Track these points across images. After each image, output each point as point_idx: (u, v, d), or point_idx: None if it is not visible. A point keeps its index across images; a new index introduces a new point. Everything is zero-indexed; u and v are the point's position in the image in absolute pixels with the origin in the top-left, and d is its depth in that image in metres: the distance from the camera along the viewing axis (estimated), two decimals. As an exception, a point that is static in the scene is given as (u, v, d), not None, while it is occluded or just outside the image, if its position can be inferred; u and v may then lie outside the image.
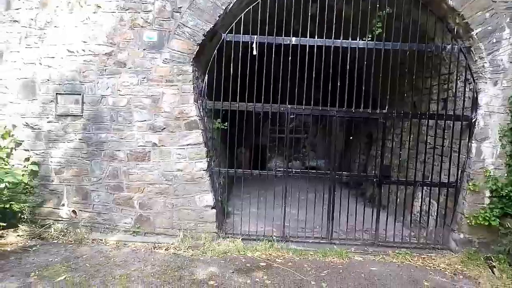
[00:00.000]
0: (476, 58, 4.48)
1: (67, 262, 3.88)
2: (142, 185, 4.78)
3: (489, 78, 4.41)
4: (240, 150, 9.41)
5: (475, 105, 4.54)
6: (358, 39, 4.65)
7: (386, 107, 4.73)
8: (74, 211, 4.90)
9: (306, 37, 4.72)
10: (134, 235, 4.79)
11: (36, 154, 4.82)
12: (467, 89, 4.64)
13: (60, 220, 4.90)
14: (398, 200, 5.88)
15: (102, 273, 3.65)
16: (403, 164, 5.34)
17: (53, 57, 4.72)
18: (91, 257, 4.08)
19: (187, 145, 4.71)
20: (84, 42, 4.70)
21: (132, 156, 4.77)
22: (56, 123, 4.82)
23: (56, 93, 4.77)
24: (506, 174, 4.45)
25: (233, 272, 3.81)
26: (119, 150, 4.78)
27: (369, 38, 4.67)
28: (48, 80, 4.74)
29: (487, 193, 4.49)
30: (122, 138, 4.76)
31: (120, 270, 3.72)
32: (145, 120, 4.72)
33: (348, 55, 4.63)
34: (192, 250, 4.44)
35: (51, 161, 4.82)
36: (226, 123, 5.22)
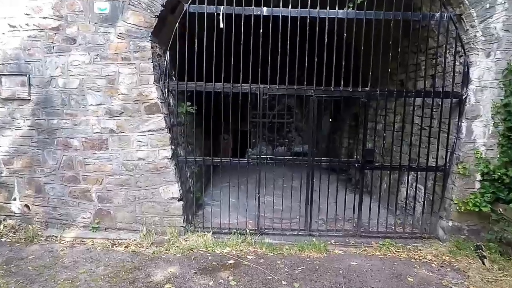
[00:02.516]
0: (467, 27, 4.01)
1: (7, 264, 3.43)
2: (100, 176, 4.31)
3: (481, 49, 3.97)
4: (223, 136, 8.98)
5: (465, 80, 4.10)
6: (337, 9, 4.15)
7: (369, 85, 4.27)
8: (27, 206, 4.43)
9: (279, 7, 4.20)
10: (93, 231, 4.35)
11: (-20, 144, 4.31)
12: (457, 63, 4.18)
13: (11, 216, 4.44)
14: (384, 185, 5.53)
15: (44, 277, 3.21)
16: (388, 147, 4.92)
17: (-8, 33, 4.15)
18: (38, 257, 3.63)
19: (148, 131, 4.22)
20: (27, 14, 4.13)
21: (88, 144, 4.27)
22: (1, 108, 4.29)
23: (0, 74, 4.23)
24: (498, 155, 4.06)
25: (195, 273, 3.39)
26: (73, 138, 4.28)
27: (350, 7, 4.17)
28: (-12, 59, 4.19)
29: (478, 177, 4.11)
30: (76, 124, 4.26)
31: (66, 273, 3.29)
32: (100, 104, 4.21)
33: (326, 26, 4.13)
34: (155, 247, 4.01)
35: (-2, 151, 4.32)
36: (194, 106, 4.72)
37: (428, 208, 4.46)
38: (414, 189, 4.70)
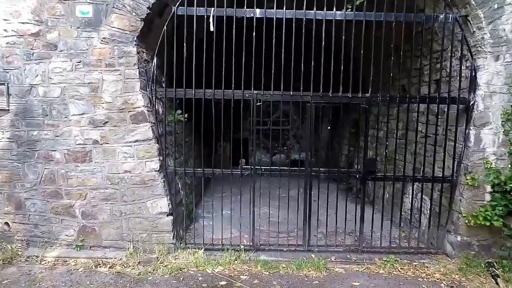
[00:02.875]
0: (474, 29, 3.76)
1: (-23, 291, 3.15)
2: (84, 191, 4.03)
3: (489, 52, 3.71)
4: (220, 145, 8.69)
5: (473, 85, 3.83)
6: (334, 10, 3.90)
7: (370, 91, 4.01)
8: (6, 223, 4.15)
9: (273, 9, 3.95)
10: (77, 250, 4.06)
11: (-45, 157, 4.04)
12: (463, 67, 3.93)
13: (-10, 234, 4.15)
14: (387, 195, 5.26)
15: (16, 306, 2.92)
16: (391, 155, 4.64)
17: (-33, 40, 3.90)
18: (13, 282, 3.35)
19: (135, 141, 3.96)
20: (5, 20, 3.88)
21: (70, 157, 4.00)
22: (-22, 119, 4.02)
23: (-24, 84, 3.97)
24: (510, 165, 3.79)
25: (183, 297, 3.11)
26: (55, 150, 4.01)
27: (349, 9, 3.92)
28: (-37, 67, 3.93)
29: (488, 188, 3.84)
30: (57, 136, 3.99)
31: (41, 301, 3.00)
32: (83, 113, 3.94)
33: (323, 29, 3.87)
34: (143, 266, 3.73)
35: (-26, 165, 4.05)
36: (185, 114, 4.44)
37: (435, 221, 4.18)
38: (419, 200, 4.43)
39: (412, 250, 4.17)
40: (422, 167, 4.19)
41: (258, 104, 4.01)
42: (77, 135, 3.96)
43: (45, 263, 3.83)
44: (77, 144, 3.98)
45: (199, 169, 4.21)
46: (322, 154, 8.44)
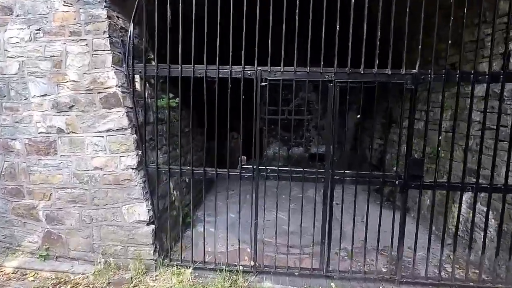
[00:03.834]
0: None
1: None
2: (48, 190, 3.30)
3: None
4: (233, 135, 7.82)
5: None
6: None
7: (417, 65, 2.89)
8: (-33, 224, 3.52)
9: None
10: (42, 260, 3.35)
11: None
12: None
13: (-51, 237, 3.55)
14: (427, 201, 4.12)
15: None
16: (433, 153, 3.45)
17: None
18: None
19: (107, 131, 3.13)
20: (-46, -21, 3.16)
21: (32, 148, 3.26)
22: None
23: None
24: None
25: None
26: (15, 139, 3.29)
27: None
28: None
29: None
30: (17, 122, 3.26)
31: None
32: (45, 95, 3.17)
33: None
34: (111, 289, 2.94)
35: None
36: (177, 98, 3.56)
37: (505, 246, 3.02)
38: (478, 213, 3.27)
39: (472, 284, 3.05)
40: (477, 170, 3.03)
41: (263, 84, 3.03)
42: (39, 121, 3.21)
43: (2, 274, 3.15)
44: (39, 133, 3.22)
45: (186, 167, 3.30)
46: (347, 148, 7.32)
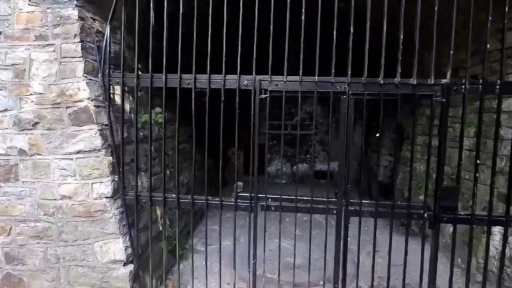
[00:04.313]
0: None
1: None
2: (7, 223, 2.76)
3: None
4: (233, 151, 7.33)
5: None
6: None
7: (449, 74, 2.40)
8: None
9: None
10: (-1, 307, 2.80)
11: None
12: None
13: None
14: (450, 228, 3.58)
15: None
16: (454, 173, 2.88)
17: None
18: None
19: (77, 152, 2.63)
20: None
21: (-10, 173, 2.76)
22: None
23: None
24: None
25: None
26: (-29, 162, 2.78)
27: None
28: None
29: None
30: (-27, 142, 2.76)
31: None
32: (5, 110, 2.68)
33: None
34: None
35: None
36: (162, 114, 3.08)
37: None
38: (501, 242, 2.72)
39: None
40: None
41: (262, 96, 2.53)
42: (-2, 141, 2.71)
43: None
44: (-2, 155, 2.72)
45: (170, 196, 2.76)
46: (353, 164, 6.82)
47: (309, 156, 6.93)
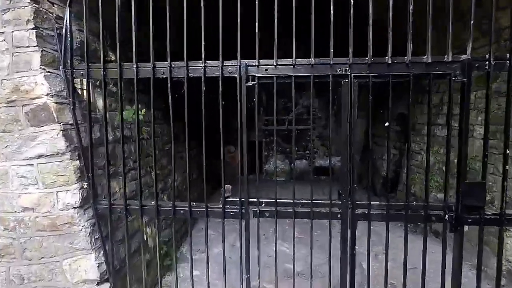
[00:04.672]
0: None
1: None
2: (-36, 240, 2.42)
3: None
4: (228, 150, 6.98)
5: None
6: None
7: (469, 49, 2.01)
8: None
9: None
10: (-40, 336, 2.46)
11: None
12: None
13: None
14: (466, 228, 3.20)
15: None
16: (470, 166, 2.50)
17: None
18: None
19: (37, 157, 2.27)
20: None
21: None
22: None
23: None
24: None
25: None
26: None
27: None
28: None
29: None
30: None
31: None
32: (-46, 111, 2.32)
33: None
34: None
35: None
36: (143, 110, 2.74)
37: None
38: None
39: None
40: None
41: (249, 84, 2.16)
42: (-51, 147, 2.35)
43: None
44: (-51, 163, 2.37)
45: (167, 203, 2.39)
46: (356, 159, 6.46)
47: (308, 152, 6.54)
